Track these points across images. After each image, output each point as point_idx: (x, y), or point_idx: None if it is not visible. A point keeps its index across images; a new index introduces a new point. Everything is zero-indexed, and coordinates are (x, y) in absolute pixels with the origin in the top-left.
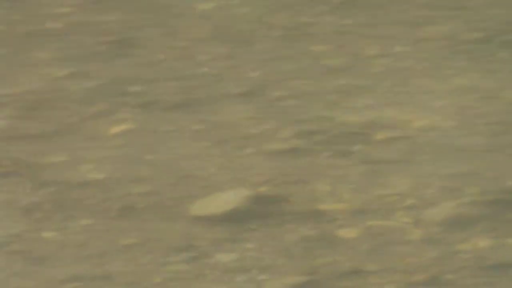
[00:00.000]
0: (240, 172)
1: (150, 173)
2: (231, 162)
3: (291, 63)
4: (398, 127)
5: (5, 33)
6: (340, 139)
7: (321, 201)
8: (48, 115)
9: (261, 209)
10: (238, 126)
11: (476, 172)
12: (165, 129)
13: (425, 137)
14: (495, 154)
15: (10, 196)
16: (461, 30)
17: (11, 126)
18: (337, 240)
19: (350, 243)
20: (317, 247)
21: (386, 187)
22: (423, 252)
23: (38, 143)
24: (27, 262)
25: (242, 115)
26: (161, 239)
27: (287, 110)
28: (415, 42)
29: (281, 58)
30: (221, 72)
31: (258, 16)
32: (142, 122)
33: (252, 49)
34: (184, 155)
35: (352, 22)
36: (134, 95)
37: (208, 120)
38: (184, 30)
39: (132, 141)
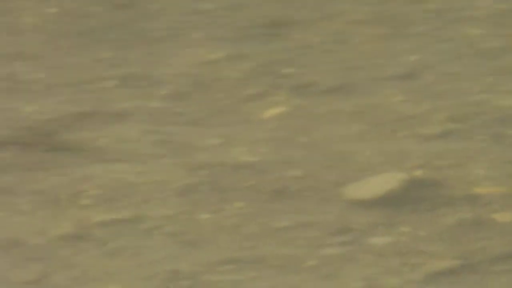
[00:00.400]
0: (395, 155)
1: (304, 156)
2: (386, 145)
3: (446, 46)
4: None
5: (161, 13)
6: (496, 123)
7: (476, 185)
8: (202, 97)
9: (416, 193)
10: (393, 109)
11: None
12: (320, 111)
13: None
14: None
15: (165, 178)
16: None
17: (166, 107)
18: (492, 224)
19: (505, 227)
20: (472, 231)
21: None
22: None
23: (192, 125)
24: (182, 244)
25: (398, 98)
26: (314, 222)
27: (442, 93)
28: None
29: (437, 41)
30: (376, 55)
31: None
32: (296, 105)
33: (407, 32)
34: (339, 138)
35: (508, 6)
36: (289, 77)
37: (363, 103)
38: (340, 12)
39: (286, 124)
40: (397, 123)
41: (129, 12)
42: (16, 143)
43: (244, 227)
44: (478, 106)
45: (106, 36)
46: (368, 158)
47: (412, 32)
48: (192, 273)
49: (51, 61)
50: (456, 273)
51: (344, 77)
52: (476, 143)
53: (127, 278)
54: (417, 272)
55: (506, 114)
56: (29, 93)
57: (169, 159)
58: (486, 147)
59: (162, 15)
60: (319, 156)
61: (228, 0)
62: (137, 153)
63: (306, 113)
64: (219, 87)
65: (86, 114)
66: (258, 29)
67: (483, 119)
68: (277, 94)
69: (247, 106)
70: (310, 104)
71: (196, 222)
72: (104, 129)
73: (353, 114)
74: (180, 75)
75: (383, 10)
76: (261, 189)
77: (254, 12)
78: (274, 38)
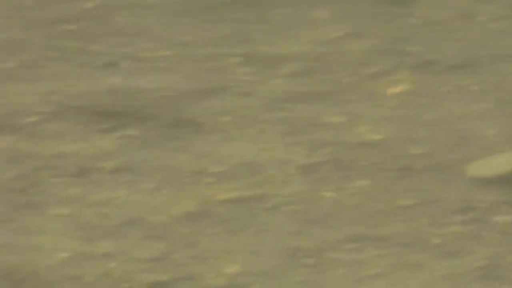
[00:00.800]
0: None
1: (428, 134)
2: (511, 123)
3: None
4: None
5: None
6: None
7: None
8: (325, 75)
9: None
10: None
11: None
12: (444, 89)
13: None
14: None
15: (288, 155)
16: None
17: (289, 85)
18: None
19: None
20: None
21: None
22: None
23: (315, 103)
24: (304, 222)
25: None
26: (438, 200)
27: None
28: None
29: None
30: (501, 33)
31: None
32: (420, 83)
33: None
34: (463, 116)
35: None
36: (412, 55)
37: (487, 80)
38: None
39: (410, 102)
40: None
41: None
42: (139, 120)
43: (367, 205)
44: None
45: (229, 13)
46: (492, 137)
47: None
48: (315, 251)
49: (174, 38)
50: None
51: (468, 55)
52: None
53: (249, 256)
54: None
55: None
56: (152, 70)
57: (292, 137)
58: None
59: None
60: (443, 134)
61: None
62: (260, 131)
63: (429, 91)
64: (342, 64)
65: (209, 91)
66: (381, 6)
67: None
68: (401, 71)
69: (371, 84)
70: (434, 81)
71: (319, 200)
72: (227, 106)
73: (477, 92)
74: (303, 52)
75: None
76: (384, 167)
77: None
78: (397, 15)
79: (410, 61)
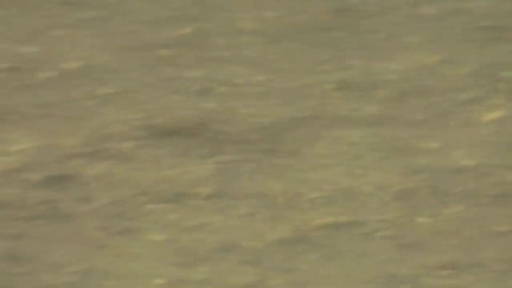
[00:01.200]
0: None
1: None
2: None
3: None
4: None
5: (380, 17)
6: None
7: None
8: (420, 101)
9: None
10: None
11: None
12: None
13: None
14: None
15: (383, 181)
16: None
17: (384, 111)
18: None
19: None
20: None
21: None
22: None
23: (410, 128)
24: (400, 247)
25: None
26: None
27: None
28: None
29: None
30: None
31: None
32: None
33: None
34: None
35: None
36: (508, 81)
37: None
38: None
39: (505, 128)
40: None
41: (347, 15)
42: (235, 145)
43: (463, 231)
44: None
45: (324, 39)
46: None
47: None
48: (410, 276)
49: (269, 64)
50: None
51: None
52: None
53: (345, 282)
54: None
55: None
56: (247, 95)
57: (387, 163)
58: None
59: (381, 19)
60: None
61: (447, 5)
62: (354, 157)
63: None
64: (437, 90)
65: (304, 118)
66: (476, 32)
67: None
68: (496, 97)
69: (466, 110)
70: None
71: (415, 226)
72: (322, 133)
73: None
74: (397, 78)
75: None
76: (480, 193)
77: (473, 16)
78: (492, 41)
79: (506, 87)
